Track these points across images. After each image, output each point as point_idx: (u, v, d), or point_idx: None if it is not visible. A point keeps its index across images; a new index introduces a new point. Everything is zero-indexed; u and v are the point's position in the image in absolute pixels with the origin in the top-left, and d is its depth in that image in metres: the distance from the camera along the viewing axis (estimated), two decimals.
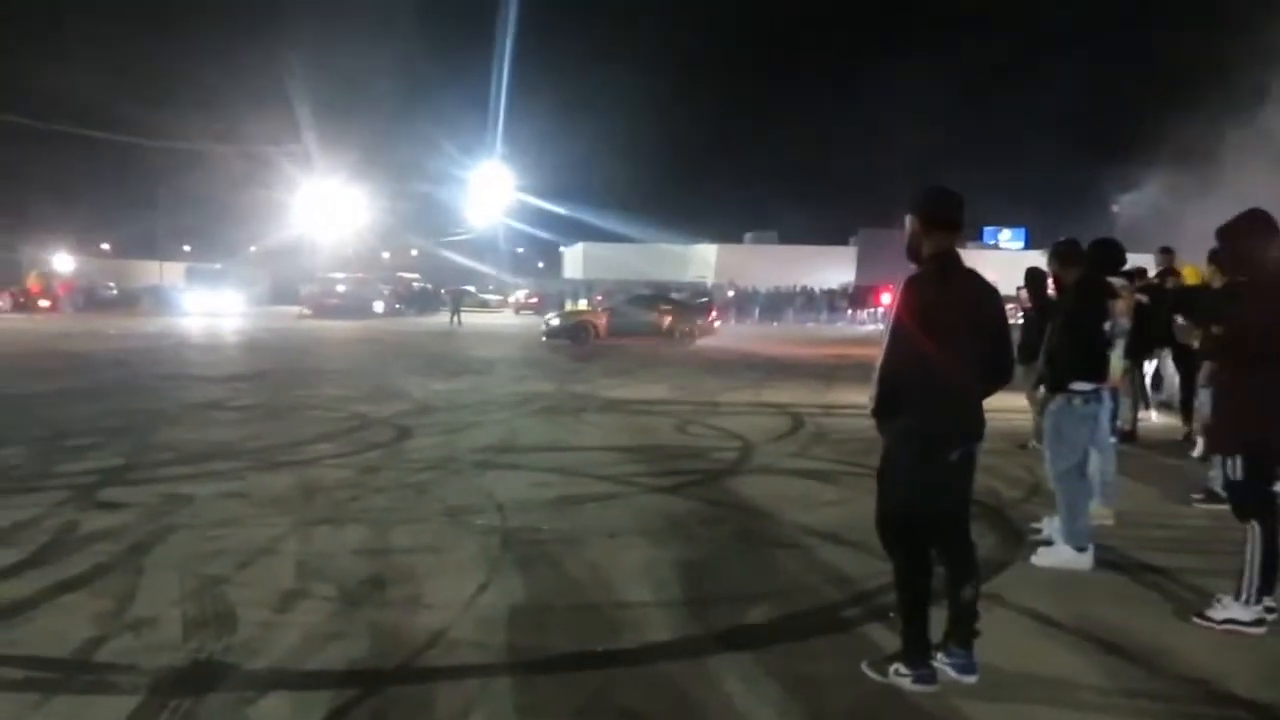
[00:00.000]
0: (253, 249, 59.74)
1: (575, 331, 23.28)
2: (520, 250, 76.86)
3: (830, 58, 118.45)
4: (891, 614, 3.75)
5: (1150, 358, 9.70)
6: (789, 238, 66.48)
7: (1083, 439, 5.10)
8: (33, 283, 43.25)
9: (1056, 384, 5.06)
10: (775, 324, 43.87)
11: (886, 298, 34.01)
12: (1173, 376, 9.93)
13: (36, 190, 56.66)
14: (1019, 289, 9.24)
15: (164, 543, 5.08)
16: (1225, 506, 4.62)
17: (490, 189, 55.59)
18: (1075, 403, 5.01)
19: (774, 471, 7.53)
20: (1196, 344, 5.09)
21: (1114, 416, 5.95)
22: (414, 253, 76.19)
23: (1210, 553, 5.06)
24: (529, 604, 4.26)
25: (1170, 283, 9.33)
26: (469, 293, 50.17)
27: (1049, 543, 5.09)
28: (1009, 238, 62.58)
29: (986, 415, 3.46)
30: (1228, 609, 4.05)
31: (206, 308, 39.57)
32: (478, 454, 7.96)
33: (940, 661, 3.41)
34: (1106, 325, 5.15)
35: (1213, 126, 27.64)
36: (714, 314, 27.47)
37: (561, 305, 39.66)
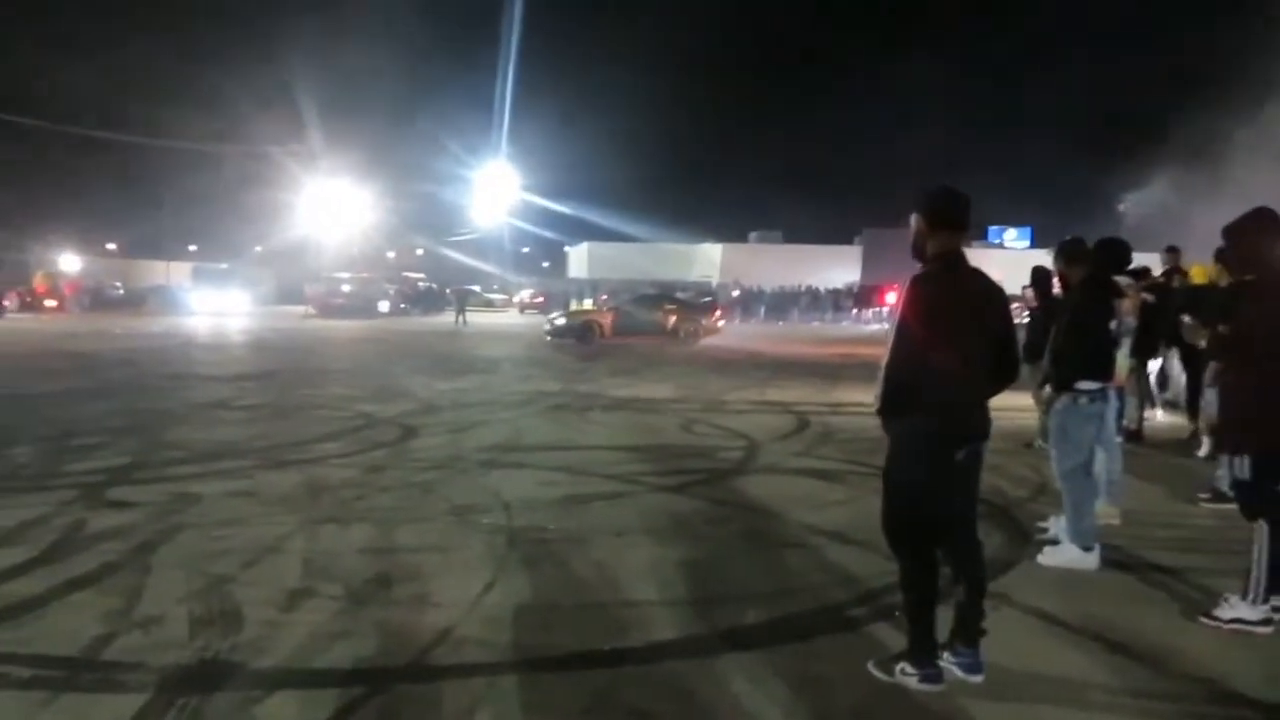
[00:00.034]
0: (258, 249, 59.92)
1: (580, 331, 23.30)
2: (525, 250, 77.00)
3: (837, 57, 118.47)
4: (897, 613, 3.74)
5: (1156, 357, 9.68)
6: (794, 237, 66.46)
7: (1088, 438, 5.08)
8: (39, 283, 43.31)
9: (1062, 383, 5.05)
10: (780, 323, 43.85)
11: (892, 297, 33.98)
12: (1179, 376, 9.90)
13: (43, 190, 57.02)
14: (1024, 288, 9.23)
15: (171, 541, 5.10)
16: (1232, 506, 4.61)
17: (495, 188, 55.63)
18: (1081, 402, 4.99)
19: (780, 471, 7.53)
20: (1203, 343, 5.07)
21: (1120, 416, 5.93)
22: (419, 252, 76.36)
23: (1217, 552, 5.05)
24: (535, 603, 4.27)
25: (1176, 282, 9.31)
26: (474, 292, 50.19)
27: (1055, 542, 5.08)
28: (1014, 237, 62.47)
29: (993, 414, 3.46)
30: (1235, 608, 4.04)
31: (212, 307, 39.75)
32: (483, 453, 7.97)
33: (946, 661, 3.41)
34: (1112, 324, 5.13)
35: (1219, 125, 27.51)
36: (719, 313, 27.47)
37: (566, 305, 39.66)
